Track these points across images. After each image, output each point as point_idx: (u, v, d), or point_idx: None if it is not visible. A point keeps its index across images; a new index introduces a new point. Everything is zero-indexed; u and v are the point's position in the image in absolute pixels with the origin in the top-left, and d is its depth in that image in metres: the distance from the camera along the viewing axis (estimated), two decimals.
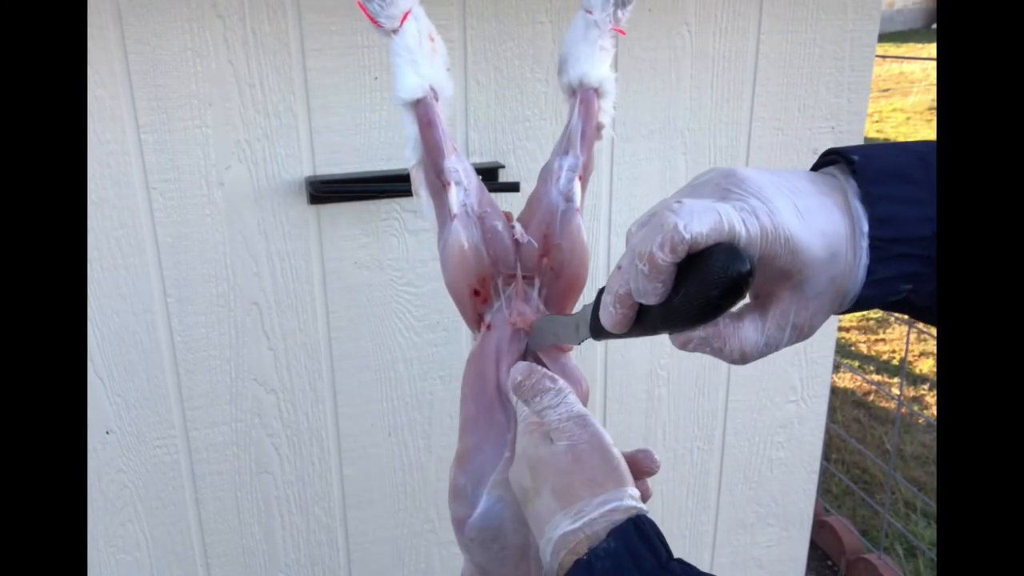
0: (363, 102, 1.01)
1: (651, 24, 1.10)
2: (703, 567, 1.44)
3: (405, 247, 1.08)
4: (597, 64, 0.58)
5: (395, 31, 0.57)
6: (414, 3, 0.57)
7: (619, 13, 0.58)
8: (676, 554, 0.45)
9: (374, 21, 0.56)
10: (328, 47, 0.98)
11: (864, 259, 0.41)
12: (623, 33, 0.59)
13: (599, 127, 0.60)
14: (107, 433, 1.05)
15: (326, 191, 1.01)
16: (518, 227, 0.59)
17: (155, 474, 1.08)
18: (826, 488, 2.23)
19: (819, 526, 2.00)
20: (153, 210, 0.98)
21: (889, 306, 0.44)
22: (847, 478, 2.22)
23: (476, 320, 0.59)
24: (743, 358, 0.44)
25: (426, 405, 1.16)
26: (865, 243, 0.41)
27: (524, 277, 0.59)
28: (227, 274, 1.03)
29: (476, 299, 0.59)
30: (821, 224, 0.41)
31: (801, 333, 0.44)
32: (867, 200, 0.41)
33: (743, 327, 0.43)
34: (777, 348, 0.44)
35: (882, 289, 0.42)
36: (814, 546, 1.88)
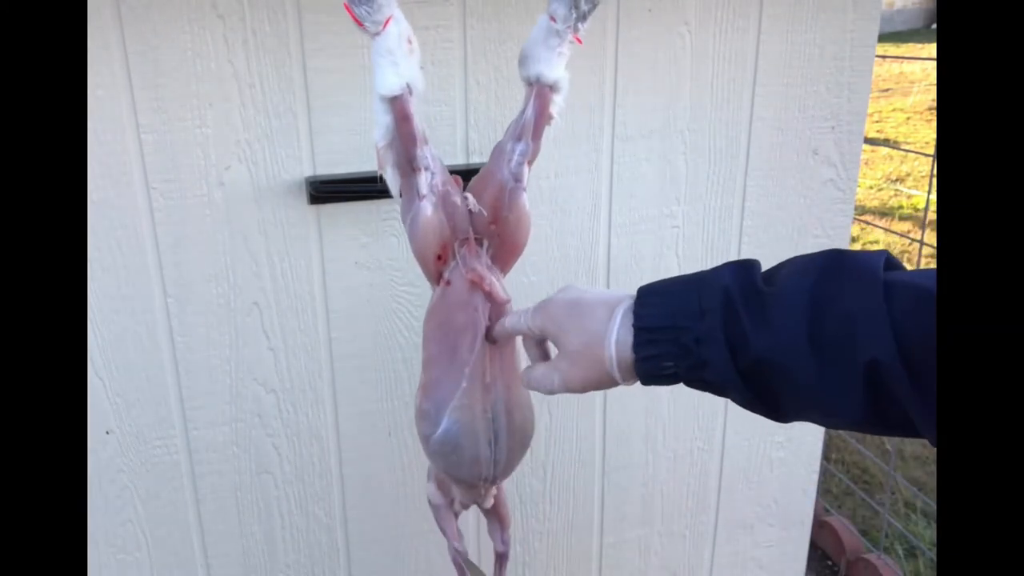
0: (363, 102, 1.01)
1: (651, 24, 1.10)
2: (703, 567, 1.45)
3: (405, 247, 1.08)
4: (554, 66, 0.67)
5: (378, 34, 0.63)
6: (395, 8, 0.63)
7: (580, 25, 0.66)
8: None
9: (359, 23, 0.62)
10: (328, 47, 0.98)
11: (616, 336, 0.59)
12: (580, 42, 0.67)
13: (549, 118, 0.69)
14: (107, 433, 1.05)
15: (326, 191, 1.01)
16: (471, 199, 0.70)
17: (155, 474, 1.08)
18: (826, 488, 2.23)
19: (819, 526, 2.00)
20: (153, 210, 0.98)
21: (686, 382, 0.59)
22: (847, 478, 2.23)
23: (437, 278, 0.71)
24: (537, 391, 0.66)
25: None
26: (627, 332, 0.59)
27: (475, 239, 0.71)
28: (227, 274, 1.03)
29: (439, 262, 0.71)
30: (583, 322, 0.61)
31: (566, 381, 0.63)
32: (635, 308, 0.59)
33: (534, 370, 0.66)
34: (552, 391, 0.64)
35: (651, 364, 0.58)
36: (814, 546, 1.88)
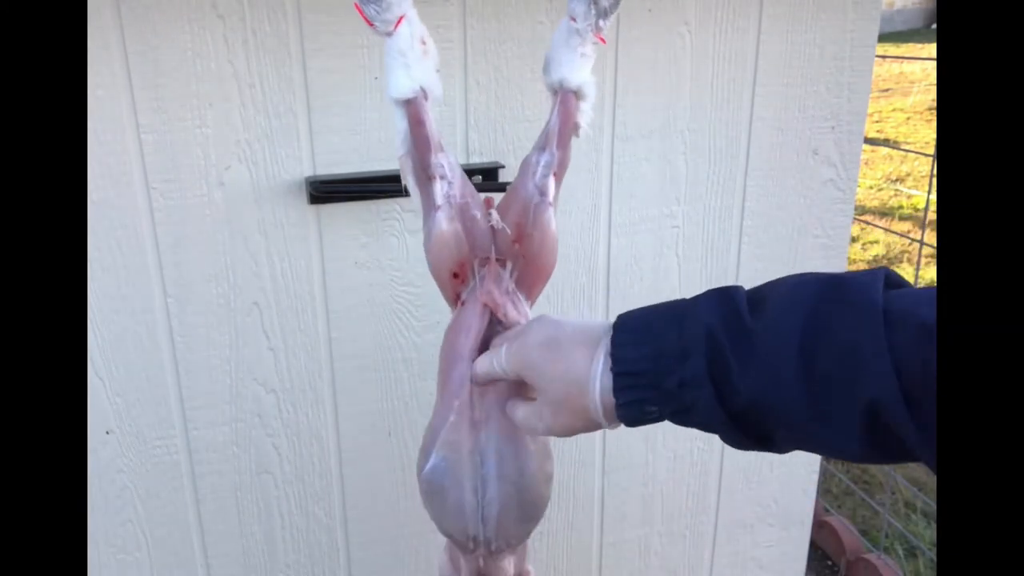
0: (363, 102, 1.01)
1: (651, 24, 1.10)
2: (703, 567, 1.45)
3: (405, 247, 1.08)
4: (577, 69, 0.63)
5: (389, 34, 0.60)
6: (408, 7, 0.60)
7: (601, 22, 0.62)
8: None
9: (370, 24, 0.59)
10: (328, 47, 0.98)
11: (599, 385, 0.55)
12: (604, 42, 0.63)
13: (576, 127, 0.65)
14: (107, 433, 1.05)
15: (326, 191, 1.01)
16: (495, 215, 0.64)
17: (155, 474, 1.08)
18: (826, 488, 2.23)
19: (819, 526, 2.00)
20: (153, 210, 0.98)
21: (673, 422, 0.56)
22: (847, 478, 2.23)
23: (455, 299, 0.66)
24: (523, 430, 0.62)
25: (426, 405, 1.16)
26: (609, 378, 0.55)
27: (498, 260, 0.65)
28: (227, 274, 1.03)
29: (455, 281, 0.65)
30: (562, 368, 0.57)
31: (551, 429, 0.59)
32: (612, 351, 0.55)
33: (517, 409, 0.61)
34: (537, 432, 0.61)
35: (633, 409, 0.54)
36: (814, 546, 1.88)
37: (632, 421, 0.55)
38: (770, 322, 0.50)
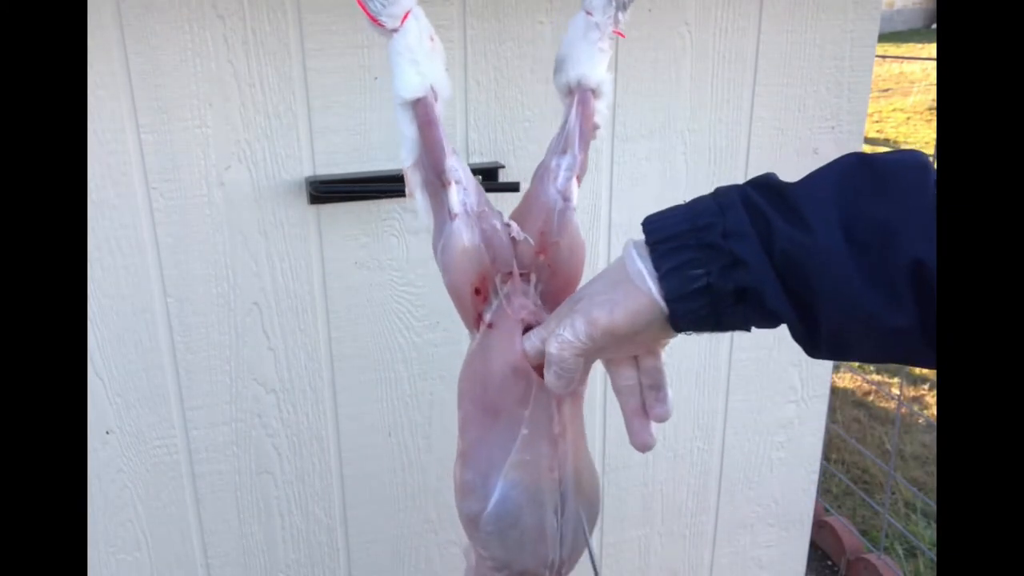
0: (363, 102, 1.01)
1: (651, 24, 1.10)
2: (703, 567, 1.45)
3: (405, 247, 1.08)
4: (596, 65, 0.59)
5: (396, 30, 0.57)
6: (414, 3, 0.58)
7: (619, 16, 0.58)
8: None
9: (375, 20, 0.56)
10: (328, 47, 0.98)
11: (634, 251, 0.53)
12: (622, 35, 0.60)
13: (595, 127, 0.61)
14: (107, 433, 1.05)
15: (326, 191, 1.01)
16: (514, 225, 0.59)
17: (155, 474, 1.08)
18: (826, 488, 2.23)
19: (819, 526, 2.00)
20: (153, 210, 0.98)
21: (719, 301, 0.50)
22: (847, 478, 2.23)
23: (476, 320, 0.60)
24: (558, 357, 0.54)
25: (426, 405, 1.16)
26: (647, 253, 0.52)
27: (520, 274, 0.60)
28: (227, 274, 1.03)
29: (477, 298, 0.59)
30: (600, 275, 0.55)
31: (593, 321, 0.52)
32: (644, 227, 0.53)
33: (541, 337, 0.57)
34: (579, 340, 0.53)
35: (678, 278, 0.50)
36: (814, 546, 1.88)
37: (677, 296, 0.50)
38: (805, 186, 0.48)
